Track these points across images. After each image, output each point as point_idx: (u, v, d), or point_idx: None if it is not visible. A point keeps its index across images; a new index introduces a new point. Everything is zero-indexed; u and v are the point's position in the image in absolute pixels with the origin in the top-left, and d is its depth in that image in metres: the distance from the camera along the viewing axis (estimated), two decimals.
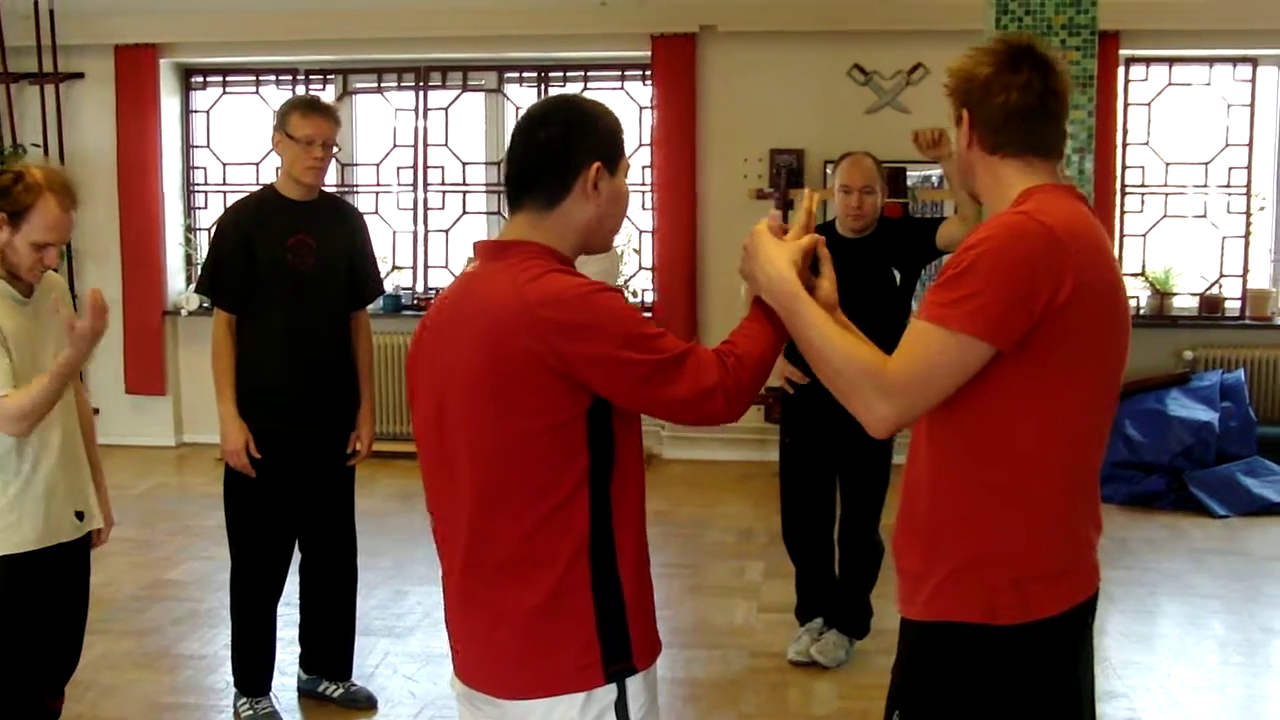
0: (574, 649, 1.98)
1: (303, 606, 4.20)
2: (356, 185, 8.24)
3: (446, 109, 8.13)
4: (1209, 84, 7.57)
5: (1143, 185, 7.62)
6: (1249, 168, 7.54)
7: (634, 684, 2.02)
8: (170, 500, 6.91)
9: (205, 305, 7.44)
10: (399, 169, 8.19)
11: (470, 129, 8.20)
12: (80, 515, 3.22)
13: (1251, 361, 7.34)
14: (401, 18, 7.61)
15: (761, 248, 2.06)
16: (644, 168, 7.73)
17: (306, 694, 4.24)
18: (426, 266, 8.23)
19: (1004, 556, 2.02)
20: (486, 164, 8.11)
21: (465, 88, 8.08)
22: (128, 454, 7.70)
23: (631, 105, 7.88)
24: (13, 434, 2.99)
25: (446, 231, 8.21)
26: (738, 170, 7.59)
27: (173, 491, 7.14)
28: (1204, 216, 7.63)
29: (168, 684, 4.41)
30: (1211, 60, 7.51)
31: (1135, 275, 7.58)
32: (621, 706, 2.01)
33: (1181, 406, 6.89)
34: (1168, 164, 7.60)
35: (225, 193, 8.20)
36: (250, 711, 4.04)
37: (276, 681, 4.14)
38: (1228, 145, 7.55)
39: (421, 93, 8.11)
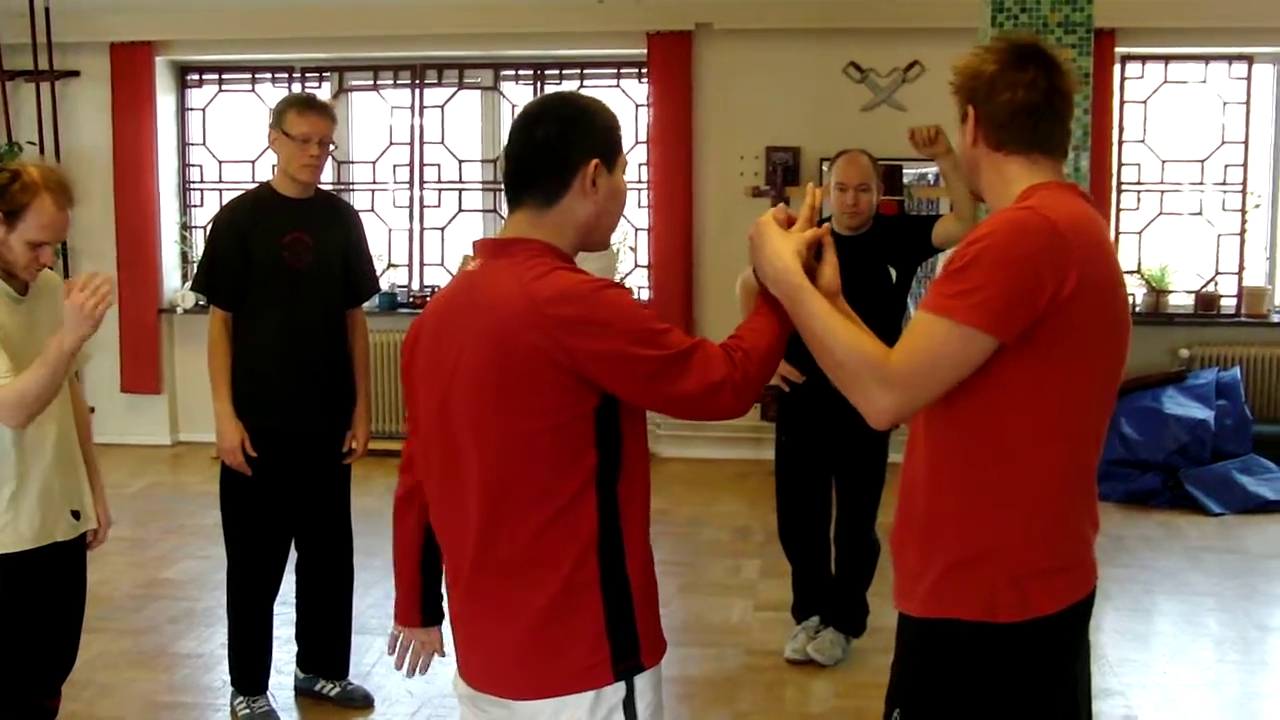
0: (583, 647, 1.98)
1: (299, 605, 4.19)
2: (352, 183, 8.24)
3: (442, 107, 8.12)
4: (1205, 82, 7.57)
5: (1138, 183, 7.62)
6: (1244, 165, 7.54)
7: (642, 681, 2.03)
8: (166, 499, 6.90)
9: (201, 303, 7.44)
10: (395, 167, 8.18)
11: (466, 127, 8.19)
12: (76, 514, 3.21)
13: (1247, 359, 7.34)
14: (397, 15, 7.61)
15: (767, 239, 2.06)
16: (640, 165, 7.72)
17: (303, 692, 4.24)
18: (422, 264, 8.23)
19: (1002, 553, 2.02)
20: (482, 162, 8.11)
21: (461, 85, 8.07)
22: (123, 453, 7.69)
23: (627, 103, 7.87)
24: (11, 425, 2.97)
25: (442, 229, 8.20)
26: (734, 168, 7.59)
27: (169, 490, 7.13)
28: (1200, 214, 7.63)
29: (164, 683, 4.41)
30: (1207, 58, 7.52)
31: (1131, 273, 7.57)
32: (630, 705, 2.01)
33: (1177, 404, 6.89)
34: (1163, 162, 7.61)
35: (221, 191, 8.20)
36: (247, 710, 4.04)
37: (273, 680, 4.13)
38: (1223, 143, 7.56)
39: (417, 90, 8.10)
